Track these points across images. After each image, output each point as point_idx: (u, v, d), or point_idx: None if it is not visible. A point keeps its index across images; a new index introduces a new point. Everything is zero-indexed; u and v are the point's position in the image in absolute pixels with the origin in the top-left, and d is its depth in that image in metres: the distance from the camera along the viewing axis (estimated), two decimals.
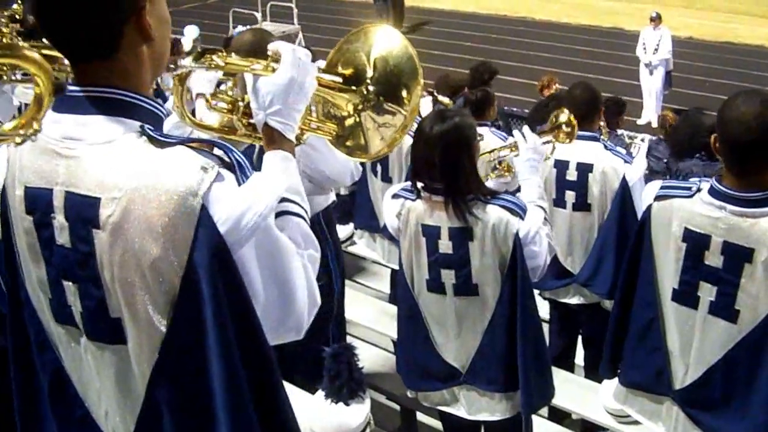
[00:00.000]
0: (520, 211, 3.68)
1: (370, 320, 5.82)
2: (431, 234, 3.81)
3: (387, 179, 6.00)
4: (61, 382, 2.05)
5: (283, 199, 2.01)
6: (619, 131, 10.54)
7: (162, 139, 1.80)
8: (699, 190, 3.22)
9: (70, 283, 1.88)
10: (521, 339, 3.74)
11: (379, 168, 6.03)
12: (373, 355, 5.32)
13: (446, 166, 3.67)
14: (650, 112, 16.30)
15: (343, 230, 6.51)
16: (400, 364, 4.36)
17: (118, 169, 1.76)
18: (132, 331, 1.84)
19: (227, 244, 1.76)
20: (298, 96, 2.12)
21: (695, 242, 3.20)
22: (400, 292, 4.14)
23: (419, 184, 3.81)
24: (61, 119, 1.83)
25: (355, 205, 6.53)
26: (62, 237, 1.85)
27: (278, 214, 1.98)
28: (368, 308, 6.03)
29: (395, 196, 3.98)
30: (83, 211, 1.79)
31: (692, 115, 9.30)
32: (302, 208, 2.09)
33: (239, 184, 1.81)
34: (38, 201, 1.87)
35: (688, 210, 3.22)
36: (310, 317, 2.02)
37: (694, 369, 3.33)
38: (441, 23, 24.78)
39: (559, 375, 4.61)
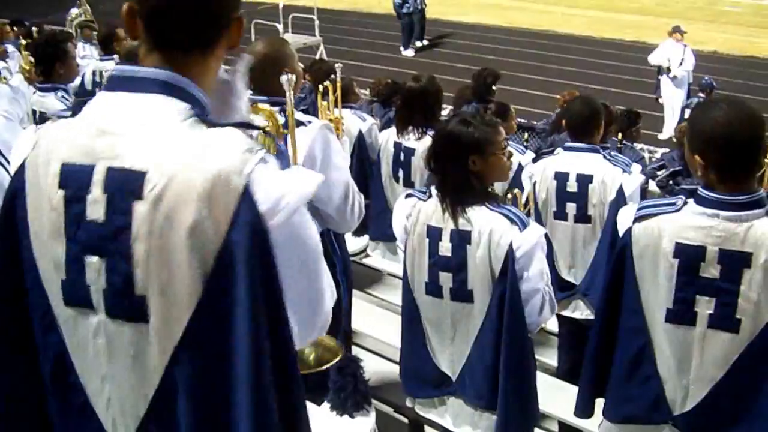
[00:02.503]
0: (519, 223, 3.65)
1: (381, 332, 5.80)
2: (434, 235, 3.80)
3: (409, 184, 6.01)
4: (63, 367, 2.03)
5: None
6: (638, 145, 10.50)
7: (212, 120, 1.90)
8: (686, 203, 3.15)
9: (96, 258, 1.89)
10: (504, 356, 3.71)
11: (401, 173, 6.04)
12: (383, 368, 5.29)
13: (434, 168, 3.77)
14: (671, 126, 16.20)
15: (356, 242, 6.50)
16: (401, 369, 4.35)
17: (165, 145, 1.83)
18: (158, 307, 1.85)
19: (265, 224, 1.82)
20: None
21: (689, 256, 3.12)
22: (403, 294, 4.13)
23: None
24: (112, 97, 1.93)
25: (370, 216, 6.47)
26: (95, 212, 1.87)
27: None
28: (379, 320, 6.01)
29: (409, 195, 3.99)
30: (126, 183, 1.84)
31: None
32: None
33: (281, 169, 1.90)
34: (75, 176, 1.90)
35: (678, 224, 3.14)
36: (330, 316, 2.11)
37: (697, 389, 3.24)
38: (464, 36, 24.79)
39: (570, 391, 4.56)
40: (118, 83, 1.93)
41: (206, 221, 1.79)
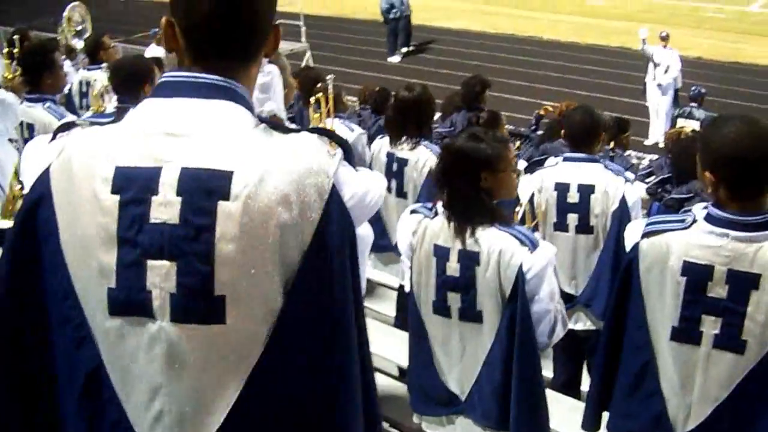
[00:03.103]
0: (529, 244, 3.60)
1: (374, 345, 5.70)
2: (441, 255, 3.74)
3: (402, 195, 5.97)
4: (97, 382, 1.95)
5: None
6: (626, 152, 10.50)
7: (284, 127, 1.98)
8: (695, 220, 3.12)
9: (165, 262, 1.85)
10: (516, 376, 3.66)
11: (393, 184, 5.97)
12: (379, 381, 5.25)
13: (445, 185, 3.70)
14: (657, 132, 16.28)
15: None
16: (409, 387, 4.30)
17: (248, 147, 1.88)
18: (239, 308, 1.85)
19: (351, 219, 1.95)
20: None
21: (697, 274, 3.09)
22: (410, 314, 4.07)
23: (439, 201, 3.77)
24: (173, 103, 1.93)
25: None
26: (166, 213, 1.84)
27: None
28: (372, 332, 5.92)
29: (414, 211, 3.92)
30: (208, 183, 1.84)
31: (693, 140, 9.29)
32: None
33: (356, 169, 2.01)
34: (135, 179, 1.86)
35: (686, 242, 3.11)
36: None
37: (699, 409, 3.20)
38: (449, 42, 24.81)
39: (565, 403, 4.54)
40: (175, 89, 1.94)
41: (297, 221, 1.84)
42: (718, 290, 3.07)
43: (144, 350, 1.90)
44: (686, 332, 3.17)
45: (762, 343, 3.04)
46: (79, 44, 11.70)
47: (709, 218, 3.07)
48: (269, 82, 4.66)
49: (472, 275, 3.68)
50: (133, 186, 1.85)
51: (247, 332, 1.86)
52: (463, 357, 3.84)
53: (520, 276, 3.57)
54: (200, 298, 1.85)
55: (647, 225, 3.26)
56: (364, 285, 2.18)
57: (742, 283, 3.02)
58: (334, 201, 1.88)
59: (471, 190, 3.64)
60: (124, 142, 1.90)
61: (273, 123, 1.96)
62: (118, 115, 1.97)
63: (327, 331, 1.91)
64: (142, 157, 1.87)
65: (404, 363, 5.25)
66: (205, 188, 1.84)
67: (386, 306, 6.73)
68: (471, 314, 3.75)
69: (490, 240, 3.62)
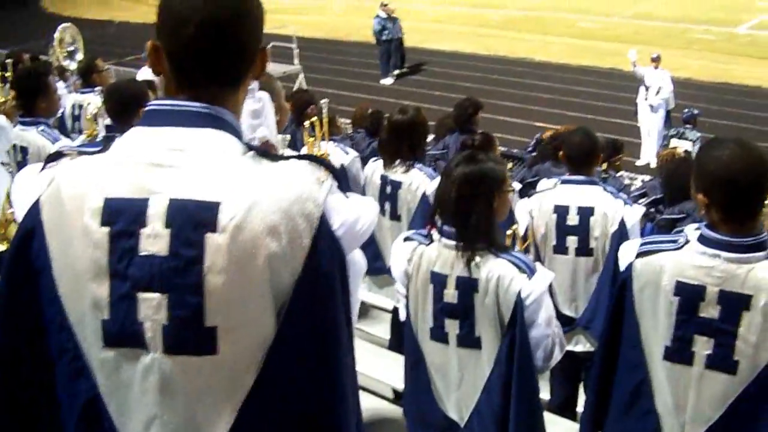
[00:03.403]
0: (527, 270, 3.59)
1: (369, 367, 5.73)
2: (438, 281, 3.72)
3: (396, 217, 5.95)
4: (95, 412, 1.96)
5: None
6: (619, 173, 10.53)
7: (273, 155, 1.96)
8: (688, 241, 3.14)
9: (156, 294, 1.85)
10: (515, 402, 3.64)
11: (387, 207, 5.96)
12: (372, 404, 5.25)
13: (459, 210, 3.62)
14: (649, 152, 16.32)
15: None
16: (406, 413, 4.28)
17: (236, 177, 1.87)
18: (230, 338, 1.86)
19: (342, 248, 1.94)
20: None
21: (689, 294, 3.11)
22: (406, 339, 4.05)
23: (437, 226, 3.75)
24: (160, 132, 1.92)
25: None
26: (155, 245, 1.84)
27: None
28: (367, 355, 5.95)
29: (408, 239, 3.89)
30: (196, 215, 1.83)
31: (683, 161, 9.33)
32: None
33: (347, 196, 2.00)
34: (124, 211, 1.85)
35: (679, 262, 3.13)
36: None
37: (693, 428, 3.22)
38: (442, 64, 24.88)
39: (562, 425, 4.54)
40: (161, 117, 1.93)
41: (286, 251, 1.84)
42: (710, 311, 3.09)
43: (138, 381, 1.91)
44: (679, 352, 3.19)
45: (754, 363, 3.06)
46: (71, 65, 11.68)
47: (702, 239, 3.10)
48: (261, 109, 4.65)
49: (470, 302, 3.67)
50: (122, 218, 1.85)
51: (239, 361, 1.88)
52: (461, 383, 3.82)
53: (519, 302, 3.57)
54: (192, 330, 1.85)
55: (641, 245, 3.29)
56: (357, 310, 2.18)
57: (734, 303, 3.04)
58: (323, 229, 1.88)
59: (487, 212, 3.62)
60: (112, 172, 1.89)
61: (262, 150, 1.96)
62: (106, 143, 1.96)
63: (319, 360, 1.91)
64: (130, 188, 1.86)
65: (399, 385, 5.25)
66: (192, 220, 1.83)
67: (380, 328, 6.73)
68: (469, 340, 3.73)
69: (489, 266, 3.61)
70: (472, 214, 3.60)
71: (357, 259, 2.09)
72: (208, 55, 1.92)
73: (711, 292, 3.07)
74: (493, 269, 3.60)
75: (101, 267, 1.86)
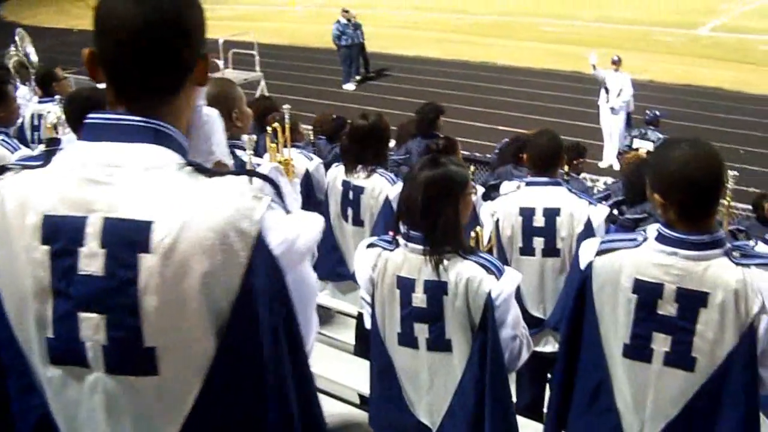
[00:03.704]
0: (495, 271, 3.59)
1: (335, 373, 5.72)
2: (406, 286, 3.70)
3: (359, 223, 5.95)
4: (47, 428, 1.95)
5: None
6: (581, 175, 10.60)
7: (209, 170, 1.90)
8: (646, 239, 3.17)
9: (94, 315, 1.81)
10: (490, 403, 3.64)
11: (350, 212, 5.96)
12: (338, 410, 5.24)
13: (427, 213, 3.59)
14: (611, 154, 16.44)
15: None
16: (373, 421, 4.23)
17: (169, 194, 1.81)
18: (170, 359, 1.83)
19: (281, 267, 1.86)
20: None
21: (647, 292, 3.14)
22: (373, 346, 4.01)
23: (401, 231, 3.72)
24: (97, 147, 1.86)
25: (318, 256, 6.39)
26: (92, 265, 1.80)
27: None
28: (332, 360, 5.94)
29: (371, 245, 3.86)
30: (129, 235, 1.79)
31: (645, 162, 9.39)
32: None
33: (287, 212, 1.92)
34: (63, 229, 1.81)
35: (637, 260, 3.16)
36: None
37: (653, 425, 3.24)
38: (404, 69, 24.93)
39: (529, 427, 4.54)
40: (99, 132, 1.88)
41: (221, 270, 1.78)
42: (668, 308, 3.12)
43: (85, 399, 1.89)
44: (638, 349, 3.21)
45: (711, 360, 3.09)
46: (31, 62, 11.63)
47: (660, 237, 3.12)
48: (210, 129, 4.64)
49: (440, 305, 3.65)
50: (62, 236, 1.82)
51: (181, 381, 1.85)
52: (432, 387, 3.81)
53: (490, 303, 3.56)
54: (131, 351, 1.82)
55: (600, 243, 3.31)
56: (311, 331, 2.09)
57: (691, 301, 3.07)
58: (260, 248, 1.81)
59: (456, 215, 3.61)
60: (51, 189, 1.85)
61: (199, 165, 1.90)
62: (47, 157, 1.92)
63: (258, 379, 1.86)
64: (68, 206, 1.83)
65: (365, 390, 5.24)
66: (126, 240, 1.79)
67: (346, 334, 6.71)
68: (440, 344, 3.71)
69: (457, 269, 3.60)
70: (440, 217, 3.58)
71: (306, 281, 2.02)
72: (142, 64, 1.87)
73: (669, 289, 3.10)
74: (461, 271, 3.59)
75: (44, 285, 1.84)
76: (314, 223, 2.02)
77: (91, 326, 1.82)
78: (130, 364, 1.84)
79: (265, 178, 1.91)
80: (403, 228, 3.71)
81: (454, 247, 3.61)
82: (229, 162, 2.47)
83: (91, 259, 1.80)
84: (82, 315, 1.82)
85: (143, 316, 1.80)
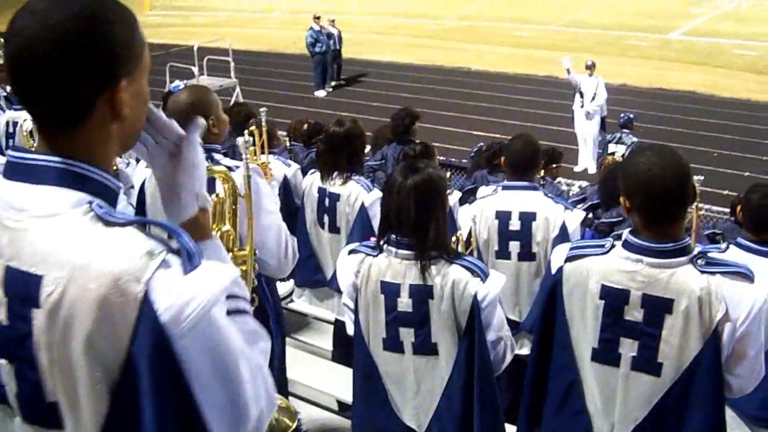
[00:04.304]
0: (481, 274, 3.61)
1: (313, 379, 5.73)
2: (390, 291, 3.70)
3: (335, 230, 5.93)
4: None
5: (228, 296, 1.91)
6: (556, 179, 10.64)
7: (110, 218, 1.71)
8: (613, 246, 3.21)
9: (6, 362, 1.77)
10: (478, 404, 3.66)
11: (326, 219, 5.94)
12: (317, 416, 5.24)
13: (420, 218, 3.60)
14: (586, 158, 16.51)
15: (282, 287, 6.43)
16: (357, 427, 4.19)
17: (62, 245, 1.68)
18: (69, 416, 1.74)
19: (169, 335, 1.64)
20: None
21: (614, 298, 3.18)
22: (356, 352, 3.99)
23: (388, 238, 3.71)
24: (10, 187, 1.76)
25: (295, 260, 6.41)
26: (1, 313, 1.74)
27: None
28: (311, 367, 5.95)
29: (353, 251, 3.85)
30: (23, 288, 1.69)
31: (619, 166, 9.45)
32: (246, 300, 1.98)
33: (185, 272, 1.70)
34: None
35: (605, 266, 3.20)
36: (267, 421, 1.92)
37: (621, 428, 3.29)
38: (378, 75, 25.00)
39: (508, 430, 4.55)
40: (14, 171, 1.76)
41: (105, 332, 1.63)
42: (635, 314, 3.16)
43: None
44: (605, 354, 3.26)
45: (677, 365, 3.13)
46: None
47: (626, 244, 3.16)
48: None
49: (426, 309, 3.67)
50: None
51: None
52: (418, 391, 3.82)
53: (476, 305, 3.58)
54: (36, 403, 1.78)
55: (570, 249, 3.36)
56: (248, 405, 1.81)
57: (657, 307, 3.11)
58: (145, 312, 1.62)
59: (444, 219, 3.64)
60: None
61: (101, 213, 1.70)
62: None
63: None
64: None
65: (343, 396, 5.26)
66: (21, 293, 1.70)
67: (323, 340, 6.71)
68: (426, 348, 3.73)
69: (443, 272, 3.62)
70: (431, 222, 3.60)
71: (218, 347, 1.74)
72: (25, 89, 1.73)
73: (635, 295, 3.14)
74: (447, 275, 3.61)
75: None
76: (215, 281, 1.73)
77: (6, 373, 1.79)
78: (38, 415, 1.80)
79: (166, 227, 1.77)
80: (393, 238, 3.70)
81: (440, 251, 3.63)
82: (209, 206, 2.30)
83: (1, 307, 1.74)
84: (0, 360, 1.79)
85: (42, 371, 1.73)
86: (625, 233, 3.19)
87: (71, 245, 1.67)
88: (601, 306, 3.22)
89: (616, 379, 3.26)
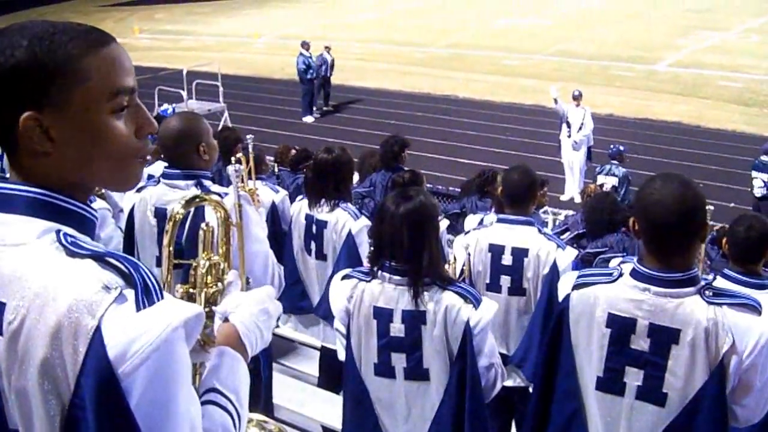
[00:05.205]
0: (473, 300, 3.63)
1: (298, 404, 5.72)
2: (383, 316, 3.72)
3: (322, 257, 5.93)
4: None
5: (217, 392, 1.94)
6: (543, 208, 10.68)
7: (73, 248, 1.69)
8: (621, 274, 3.20)
9: None
10: (469, 430, 3.66)
11: (313, 246, 5.95)
12: None
13: (414, 246, 3.62)
14: (572, 188, 16.57)
15: None
16: None
17: (25, 274, 1.67)
18: None
19: (115, 371, 1.60)
20: (266, 324, 2.19)
21: (620, 326, 3.17)
22: (346, 377, 4.00)
23: (382, 264, 3.73)
24: None
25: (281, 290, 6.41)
26: None
27: (203, 403, 1.88)
28: (296, 392, 5.94)
29: (347, 277, 3.87)
30: None
31: (604, 196, 9.52)
32: (236, 409, 1.98)
33: (138, 308, 1.65)
34: None
35: (612, 295, 3.19)
36: None
37: None
38: (365, 101, 25.07)
39: None
40: None
41: (57, 362, 1.62)
42: (641, 343, 3.14)
43: None
44: (610, 382, 3.24)
45: (682, 396, 3.11)
46: None
47: (634, 273, 3.15)
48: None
49: (418, 334, 3.68)
50: None
51: None
52: (409, 417, 3.83)
53: (468, 332, 3.60)
54: (2, 429, 1.77)
55: (577, 277, 3.35)
56: None
57: (663, 337, 3.10)
58: (94, 348, 1.59)
59: (437, 245, 3.67)
60: None
61: (65, 243, 1.69)
62: None
63: None
64: None
65: (328, 422, 5.26)
66: None
67: (309, 366, 6.71)
68: (417, 373, 3.74)
69: (436, 298, 3.64)
70: (424, 249, 3.62)
71: (164, 383, 1.66)
72: None
73: (641, 324, 3.12)
74: (440, 301, 3.63)
75: None
76: (165, 319, 1.66)
77: None
78: None
79: (126, 261, 1.71)
80: (386, 264, 3.72)
81: (433, 278, 3.65)
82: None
83: None
84: None
85: (4, 398, 1.73)
86: (634, 262, 3.18)
87: (32, 275, 1.66)
88: (607, 334, 3.20)
89: (621, 409, 3.24)
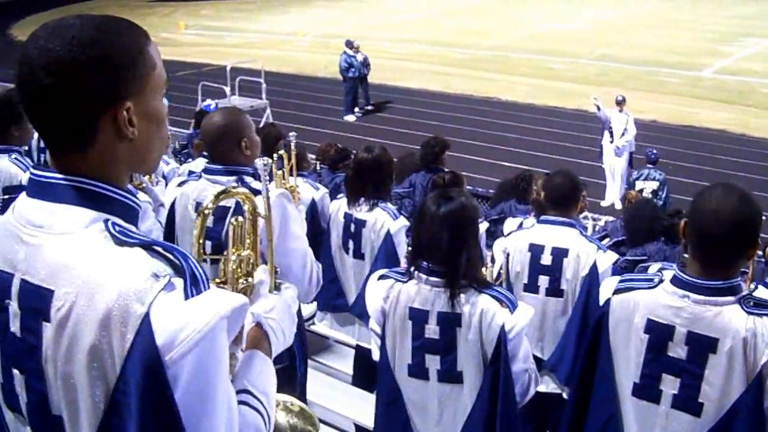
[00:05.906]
0: (509, 304, 3.63)
1: (332, 401, 5.73)
2: (418, 318, 3.72)
3: (359, 256, 5.95)
4: None
5: (249, 393, 1.99)
6: (582, 214, 10.63)
7: (122, 237, 1.75)
8: (662, 280, 3.17)
9: (18, 372, 1.82)
10: None
11: (351, 244, 5.97)
12: None
13: (453, 247, 3.61)
14: (613, 194, 16.47)
15: (304, 309, 6.45)
16: None
17: (74, 262, 1.72)
18: (76, 428, 1.76)
19: (161, 358, 1.65)
20: (290, 329, 2.30)
21: (658, 333, 3.14)
22: (380, 377, 4.01)
23: (419, 265, 3.73)
24: (30, 204, 1.81)
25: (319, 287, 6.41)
26: (14, 324, 1.79)
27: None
28: (330, 389, 5.95)
29: (383, 277, 3.88)
30: (35, 301, 1.75)
31: (645, 203, 9.43)
32: (266, 410, 2.01)
33: (186, 296, 1.70)
34: (1, 284, 1.81)
35: (651, 301, 3.17)
36: None
37: None
38: (407, 102, 25.02)
39: None
40: (35, 189, 1.82)
41: (105, 348, 1.67)
42: (678, 350, 3.11)
43: None
44: (646, 389, 3.21)
45: (718, 407, 3.06)
46: None
47: (674, 280, 3.12)
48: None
49: (453, 337, 3.68)
50: (1, 291, 1.81)
51: None
52: (441, 419, 3.82)
53: (503, 336, 3.59)
54: (44, 416, 1.81)
55: (619, 282, 3.33)
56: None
57: (701, 345, 3.06)
58: (142, 334, 1.64)
59: (477, 248, 3.66)
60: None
61: (113, 231, 1.75)
62: (4, 206, 1.88)
63: None
64: (4, 261, 1.83)
65: (361, 420, 5.26)
66: (33, 306, 1.75)
67: (344, 363, 6.71)
68: (451, 376, 3.74)
69: (471, 301, 3.63)
70: (463, 251, 3.62)
71: (206, 373, 1.72)
72: (31, 111, 1.77)
73: (679, 332, 3.10)
74: (476, 304, 3.62)
75: None
76: (215, 309, 1.71)
77: (18, 383, 1.83)
78: (45, 427, 1.83)
79: (174, 250, 1.77)
80: (424, 265, 3.72)
81: (470, 280, 3.65)
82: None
83: (15, 319, 1.79)
84: (13, 371, 1.83)
85: (48, 385, 1.77)
86: (675, 269, 3.16)
87: (82, 263, 1.72)
88: (645, 340, 3.18)
89: (656, 416, 3.22)
